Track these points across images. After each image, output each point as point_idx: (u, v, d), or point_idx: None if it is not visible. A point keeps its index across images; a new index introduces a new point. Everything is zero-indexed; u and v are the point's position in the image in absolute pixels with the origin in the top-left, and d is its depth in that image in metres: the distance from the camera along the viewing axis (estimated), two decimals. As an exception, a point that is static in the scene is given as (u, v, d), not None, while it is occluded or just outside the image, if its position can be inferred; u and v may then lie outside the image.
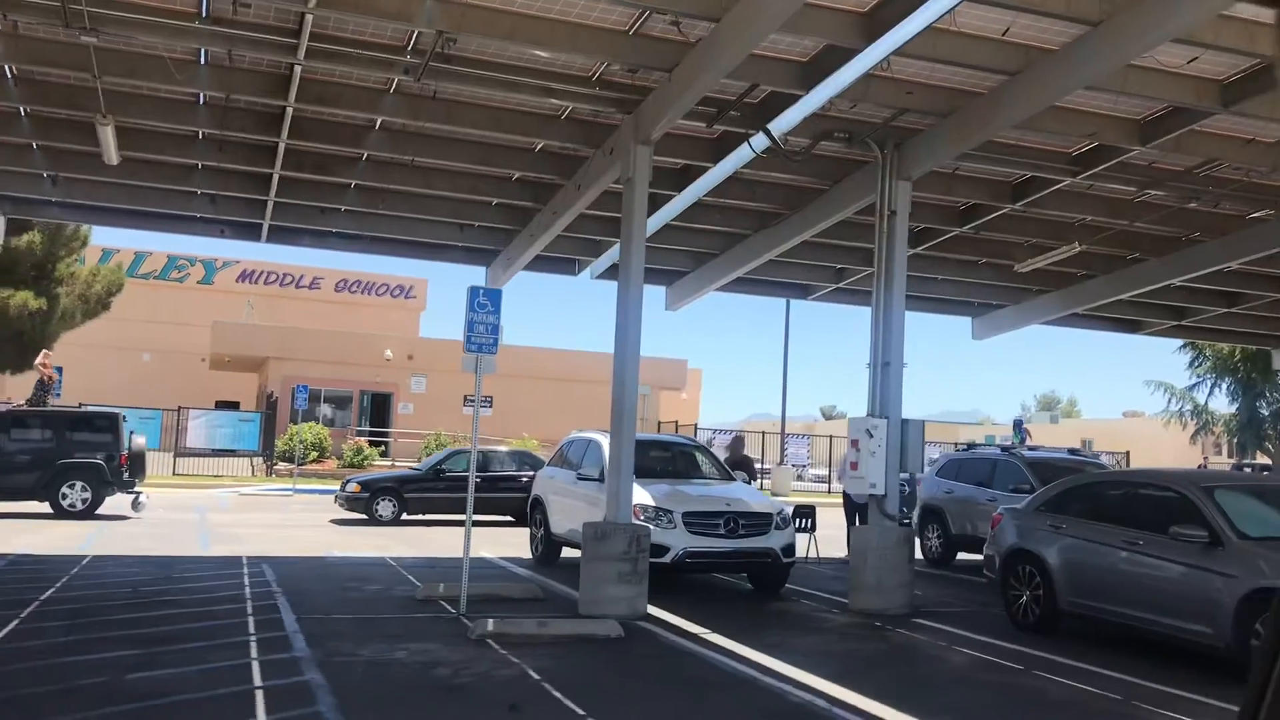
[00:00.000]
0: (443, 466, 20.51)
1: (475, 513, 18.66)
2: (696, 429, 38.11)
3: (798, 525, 14.19)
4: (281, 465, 33.46)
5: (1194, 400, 38.98)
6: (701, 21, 9.57)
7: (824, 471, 40.50)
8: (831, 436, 50.01)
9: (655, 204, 14.64)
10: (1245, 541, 8.53)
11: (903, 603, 11.41)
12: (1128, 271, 16.57)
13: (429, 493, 20.06)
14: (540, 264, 17.21)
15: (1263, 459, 37.15)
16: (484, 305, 10.69)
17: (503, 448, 23.36)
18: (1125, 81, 10.28)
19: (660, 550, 11.78)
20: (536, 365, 40.04)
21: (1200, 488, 9.19)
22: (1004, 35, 9.82)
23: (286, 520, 19.98)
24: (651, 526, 11.85)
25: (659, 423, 41.19)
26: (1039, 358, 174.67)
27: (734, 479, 13.98)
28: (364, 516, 19.69)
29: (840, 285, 18.17)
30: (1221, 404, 38.24)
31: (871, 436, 11.67)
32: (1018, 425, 23.11)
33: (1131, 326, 21.03)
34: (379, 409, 39.46)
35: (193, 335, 45.00)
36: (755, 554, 12.17)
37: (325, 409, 37.89)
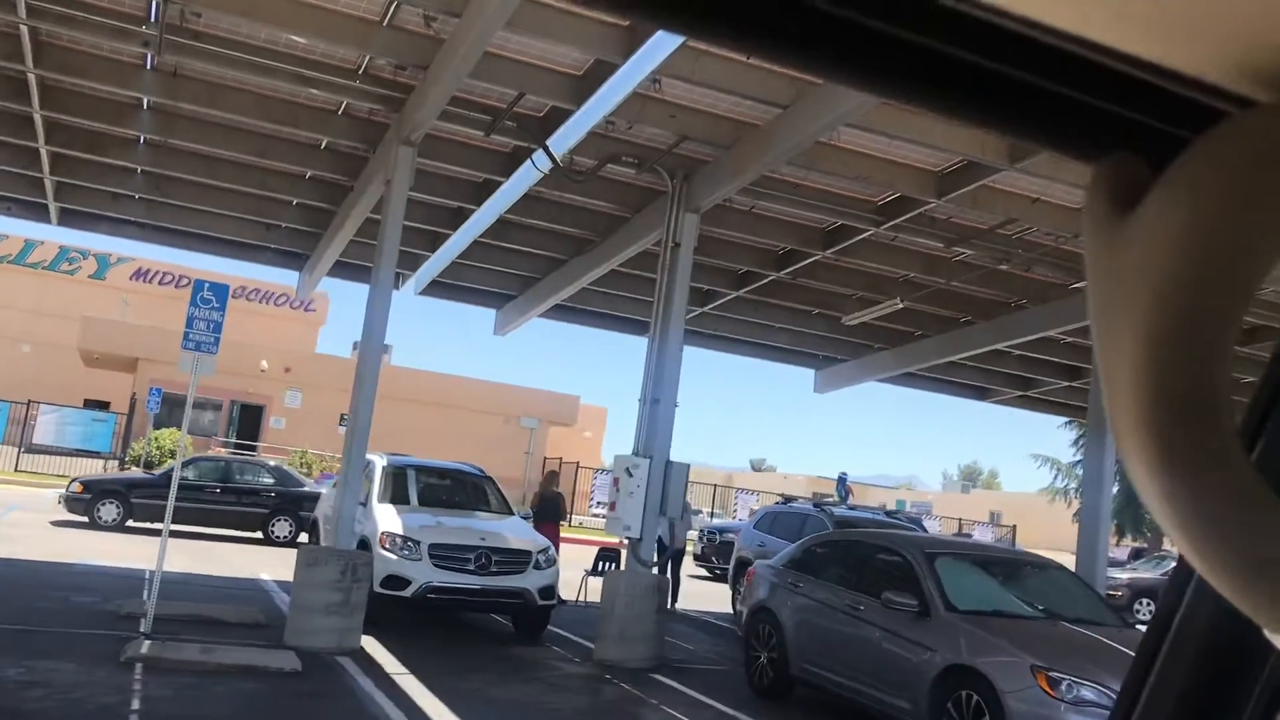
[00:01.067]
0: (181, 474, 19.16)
1: (211, 524, 18.12)
2: (577, 467, 37.28)
3: (599, 568, 13.44)
4: (135, 470, 32.03)
5: (1078, 476, 39.01)
6: (453, 18, 8.99)
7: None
8: (736, 489, 49.57)
9: (461, 217, 14.05)
10: (951, 614, 7.98)
11: (647, 655, 10.70)
12: (958, 334, 16.23)
13: (160, 499, 18.72)
14: (363, 274, 16.39)
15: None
16: (208, 300, 9.89)
17: (270, 460, 22.25)
18: (914, 129, 9.87)
19: (400, 583, 11.00)
20: (421, 389, 39.06)
21: (923, 553, 8.65)
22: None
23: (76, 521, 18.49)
24: (394, 557, 11.09)
25: (545, 458, 40.37)
26: (973, 427, 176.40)
27: (512, 514, 13.22)
28: (85, 520, 18.10)
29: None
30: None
31: (631, 476, 11.02)
32: (840, 481, 22.65)
33: (979, 393, 20.75)
34: (249, 421, 38.12)
35: (75, 330, 43.41)
36: (507, 593, 11.41)
37: (193, 415, 36.54)
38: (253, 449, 36.55)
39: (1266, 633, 0.43)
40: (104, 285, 48.92)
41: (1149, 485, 0.41)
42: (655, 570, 11.17)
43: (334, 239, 13.99)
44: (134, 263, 49.55)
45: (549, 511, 15.48)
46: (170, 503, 10.04)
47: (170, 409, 36.98)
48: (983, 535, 39.58)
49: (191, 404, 10.34)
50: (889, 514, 16.52)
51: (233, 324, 46.06)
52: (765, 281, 14.98)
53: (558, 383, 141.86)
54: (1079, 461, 38.52)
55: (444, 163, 12.13)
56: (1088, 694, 6.92)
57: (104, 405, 40.86)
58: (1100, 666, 7.10)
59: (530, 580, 11.47)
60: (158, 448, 33.20)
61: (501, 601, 11.58)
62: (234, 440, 36.79)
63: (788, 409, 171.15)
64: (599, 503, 37.24)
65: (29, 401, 32.66)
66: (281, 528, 19.19)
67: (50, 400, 34.72)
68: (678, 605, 15.00)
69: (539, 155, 11.10)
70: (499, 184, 12.67)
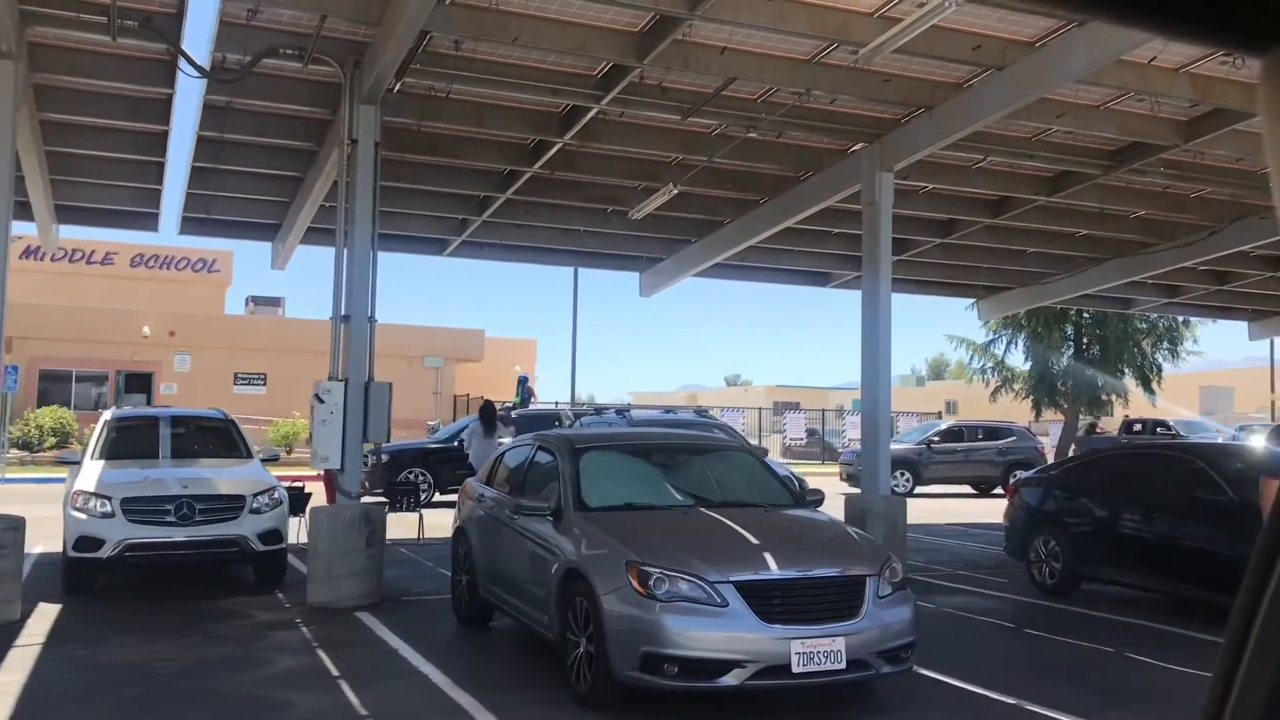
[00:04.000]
0: None
1: None
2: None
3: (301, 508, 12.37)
4: (15, 452, 30.92)
5: (994, 356, 38.35)
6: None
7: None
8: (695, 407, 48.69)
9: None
10: (581, 513, 7.09)
11: (360, 592, 9.83)
12: (750, 217, 15.19)
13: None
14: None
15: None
16: None
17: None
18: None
19: (94, 544, 10.07)
20: (321, 338, 37.82)
21: (571, 449, 7.73)
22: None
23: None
24: (84, 516, 10.14)
25: (454, 396, 39.45)
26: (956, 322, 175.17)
27: (252, 458, 12.18)
28: None
29: (468, 238, 16.54)
30: (1019, 360, 37.68)
31: (323, 402, 10.06)
32: (520, 383, 20.93)
33: (820, 279, 19.81)
34: (139, 389, 36.95)
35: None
36: (218, 543, 10.48)
37: (79, 391, 35.40)
38: (144, 418, 35.42)
39: None
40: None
41: None
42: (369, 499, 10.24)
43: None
44: (22, 240, 47.82)
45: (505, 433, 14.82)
46: None
47: (50, 386, 35.85)
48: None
49: None
50: (698, 412, 15.67)
51: (124, 292, 44.69)
52: (527, 179, 13.83)
53: (486, 321, 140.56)
54: (992, 341, 37.88)
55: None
56: (684, 588, 6.06)
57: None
58: (713, 556, 6.25)
59: (246, 526, 10.53)
60: (37, 427, 32.11)
61: (216, 552, 10.65)
62: (122, 411, 35.70)
63: (757, 322, 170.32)
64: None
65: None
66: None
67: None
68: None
69: (181, 59, 9.92)
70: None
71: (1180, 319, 33.91)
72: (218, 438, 12.52)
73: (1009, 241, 17.54)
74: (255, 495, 10.74)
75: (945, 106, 11.40)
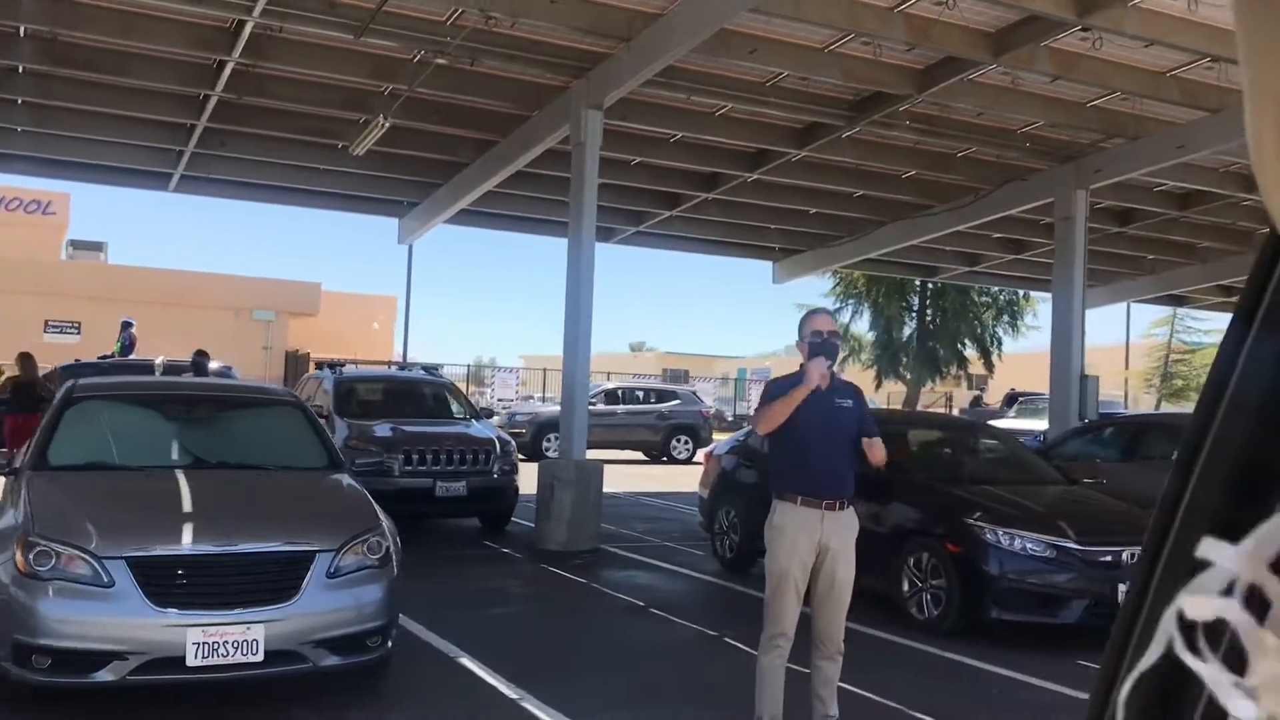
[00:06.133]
0: None
1: None
2: (307, 359, 34.77)
3: None
4: None
5: (841, 325, 38.03)
6: None
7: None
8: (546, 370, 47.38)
9: None
10: (37, 471, 5.96)
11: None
12: (489, 158, 14.11)
13: None
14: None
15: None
16: None
17: None
18: None
19: None
20: (142, 287, 35.81)
21: (67, 397, 6.59)
22: None
23: None
24: None
25: (287, 352, 37.76)
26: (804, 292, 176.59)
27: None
28: None
29: (186, 172, 15.21)
30: (865, 329, 37.45)
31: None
32: (124, 328, 18.77)
33: (602, 234, 18.84)
34: (-65, 336, 34.54)
35: None
36: None
37: None
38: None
39: None
40: None
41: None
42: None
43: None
44: None
45: (25, 400, 13.21)
46: None
47: None
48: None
49: None
50: (426, 369, 14.67)
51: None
52: (217, 105, 12.51)
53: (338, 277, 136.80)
54: (838, 310, 37.52)
55: None
56: (70, 565, 4.99)
57: None
58: (116, 528, 5.19)
59: None
60: None
61: None
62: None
63: (663, 289, 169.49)
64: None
65: None
66: None
67: None
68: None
69: None
70: None
71: (1021, 293, 33.92)
72: None
73: (786, 200, 16.78)
74: None
75: (643, 38, 10.44)
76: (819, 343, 5.10)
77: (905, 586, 7.86)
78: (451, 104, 12.72)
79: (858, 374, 39.51)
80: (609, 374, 43.07)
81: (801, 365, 5.20)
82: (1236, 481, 0.63)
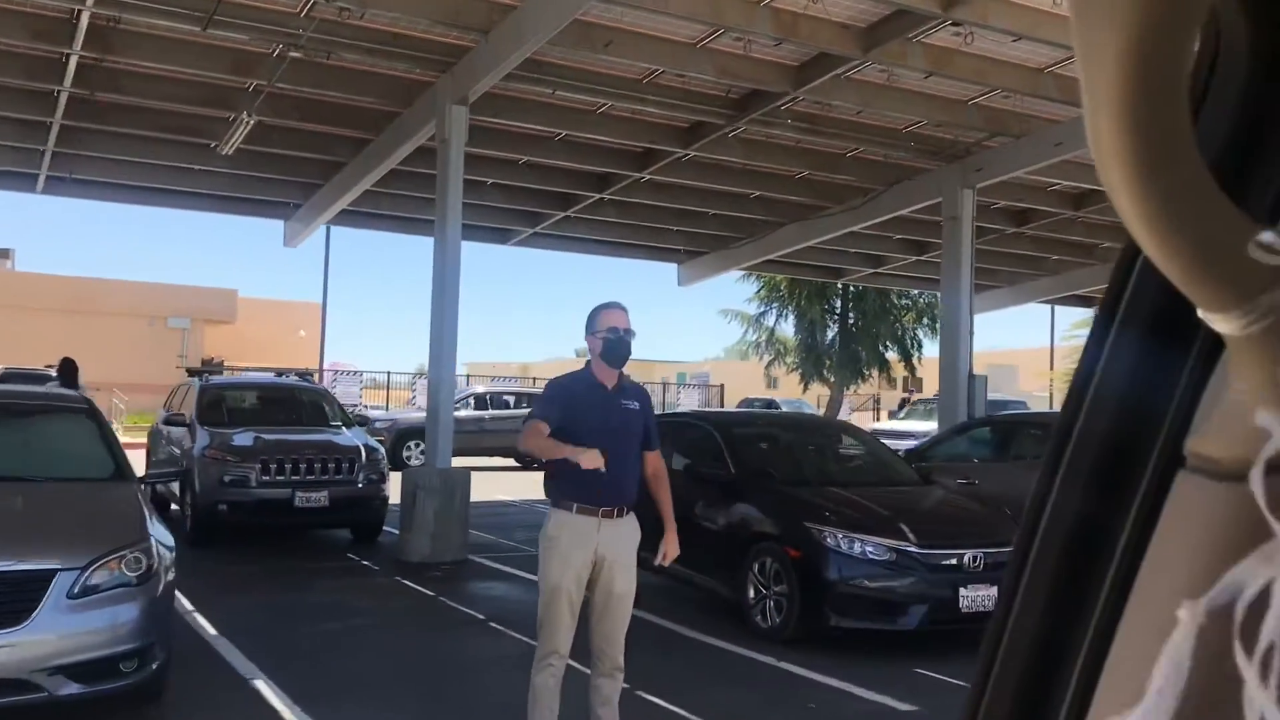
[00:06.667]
0: None
1: None
2: (218, 368, 33.94)
3: None
4: None
5: (766, 328, 37.94)
6: None
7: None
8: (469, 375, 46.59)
9: None
10: None
11: None
12: (365, 156, 13.68)
13: None
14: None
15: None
16: None
17: None
18: None
19: None
20: (50, 294, 34.77)
21: None
22: None
23: None
24: None
25: (202, 359, 36.86)
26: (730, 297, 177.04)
27: None
28: None
29: (51, 173, 14.57)
30: (789, 332, 37.37)
31: None
32: None
33: (500, 236, 18.53)
34: None
35: None
36: None
37: None
38: None
39: (1200, 313, 0.47)
40: None
41: (1119, 175, 0.44)
42: None
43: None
44: None
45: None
46: None
47: None
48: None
49: None
50: (300, 375, 14.24)
51: None
52: (69, 101, 11.96)
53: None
54: (763, 313, 37.50)
55: None
56: None
57: None
58: None
59: None
60: None
61: None
62: None
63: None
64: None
65: None
66: None
67: None
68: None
69: None
70: None
71: (939, 295, 34.05)
72: None
73: (684, 201, 16.53)
74: None
75: (500, 30, 10.12)
76: (614, 339, 4.80)
77: (751, 594, 7.60)
78: (318, 100, 12.29)
79: (783, 376, 39.52)
80: (534, 379, 42.63)
81: (587, 362, 4.90)
82: (1099, 480, 0.64)
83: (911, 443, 12.11)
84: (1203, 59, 0.61)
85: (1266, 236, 0.45)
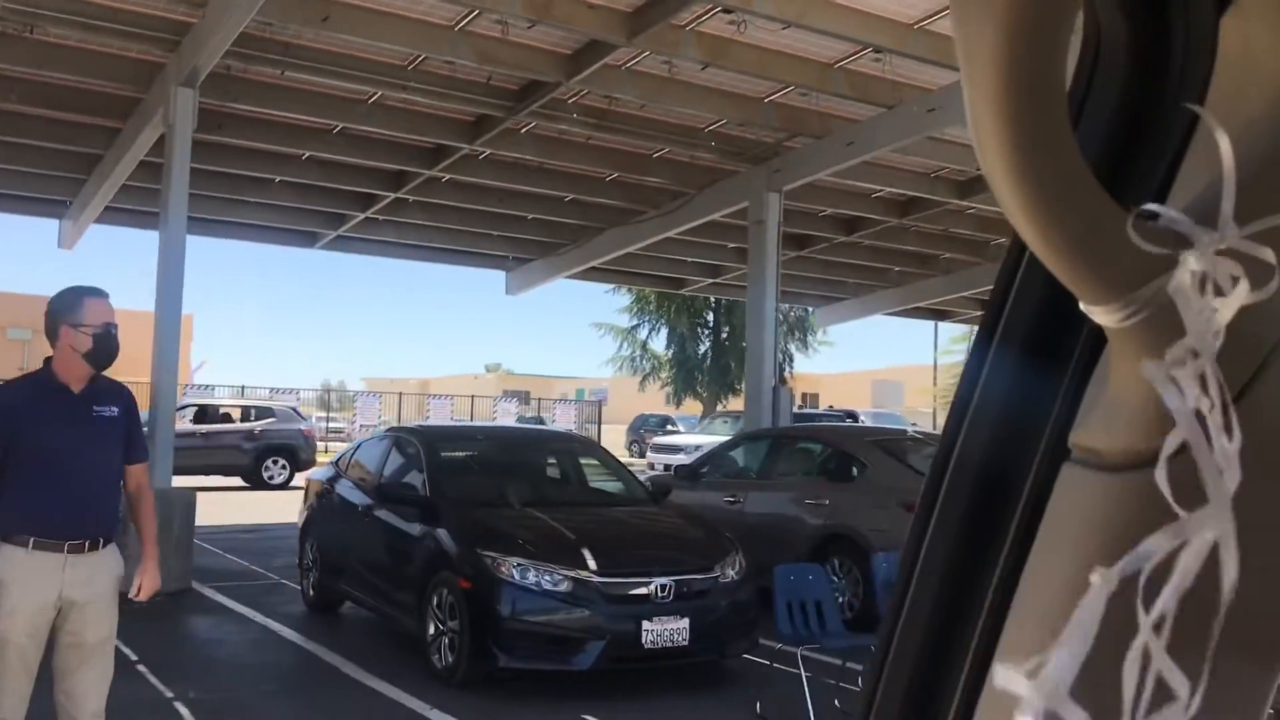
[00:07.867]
0: None
1: None
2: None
3: None
4: None
5: (639, 342, 37.31)
6: None
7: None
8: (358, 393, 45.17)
9: None
10: None
11: None
12: (120, 145, 12.58)
13: None
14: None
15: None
16: None
17: None
18: None
19: None
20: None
21: None
22: None
23: None
24: None
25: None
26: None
27: None
28: None
29: None
30: (661, 346, 36.81)
31: None
32: None
33: (307, 239, 17.47)
34: None
35: None
36: None
37: None
38: None
39: (1082, 305, 0.47)
40: None
41: (999, 166, 0.44)
42: None
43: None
44: None
45: None
46: None
47: None
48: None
49: None
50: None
51: None
52: None
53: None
54: (635, 327, 36.86)
55: None
56: None
57: None
58: None
59: None
60: None
61: None
62: None
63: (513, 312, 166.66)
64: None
65: None
66: None
67: None
68: None
69: None
70: None
71: (809, 310, 33.73)
72: None
73: (494, 203, 15.66)
74: None
75: (216, 3, 9.14)
76: (105, 335, 3.90)
77: (431, 629, 6.70)
78: (36, 81, 11.12)
79: (656, 391, 38.74)
80: (464, 397, 41.39)
81: (47, 360, 3.98)
82: (979, 496, 0.64)
83: (681, 457, 11.34)
84: (1085, 58, 0.62)
85: (1148, 208, 0.45)
